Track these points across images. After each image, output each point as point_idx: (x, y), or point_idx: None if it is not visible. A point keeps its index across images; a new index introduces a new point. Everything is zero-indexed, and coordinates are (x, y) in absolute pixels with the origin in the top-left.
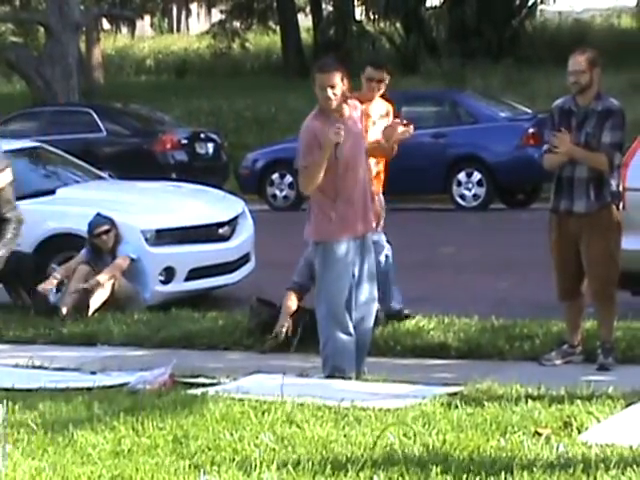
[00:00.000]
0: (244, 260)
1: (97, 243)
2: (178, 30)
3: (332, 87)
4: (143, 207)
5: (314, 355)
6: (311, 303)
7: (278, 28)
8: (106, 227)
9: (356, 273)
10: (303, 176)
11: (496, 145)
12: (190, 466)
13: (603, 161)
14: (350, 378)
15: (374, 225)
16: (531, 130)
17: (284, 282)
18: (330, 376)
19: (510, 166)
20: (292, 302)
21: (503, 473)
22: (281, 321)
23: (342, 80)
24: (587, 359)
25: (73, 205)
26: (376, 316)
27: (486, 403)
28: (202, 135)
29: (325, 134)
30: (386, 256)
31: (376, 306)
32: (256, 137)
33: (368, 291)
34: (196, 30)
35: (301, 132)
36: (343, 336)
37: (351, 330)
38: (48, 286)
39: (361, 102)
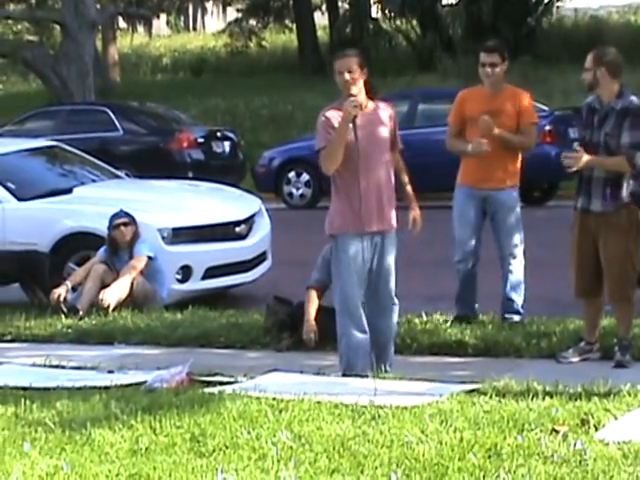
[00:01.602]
0: (261, 258)
1: (115, 235)
2: (194, 29)
3: (349, 71)
4: (160, 206)
5: (331, 353)
6: (329, 301)
7: (294, 26)
8: (125, 220)
9: (374, 269)
10: (323, 157)
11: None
12: (208, 464)
13: (623, 164)
14: (365, 376)
15: (394, 222)
16: (548, 127)
17: (301, 280)
18: (346, 374)
19: (527, 163)
20: (313, 303)
21: (520, 470)
22: (307, 328)
23: (361, 68)
24: (604, 356)
25: (90, 204)
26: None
27: (503, 400)
28: (219, 133)
29: (343, 110)
30: None
31: (397, 303)
32: (272, 135)
33: (387, 288)
34: (212, 28)
35: (317, 122)
36: (356, 333)
37: (364, 327)
38: (60, 291)
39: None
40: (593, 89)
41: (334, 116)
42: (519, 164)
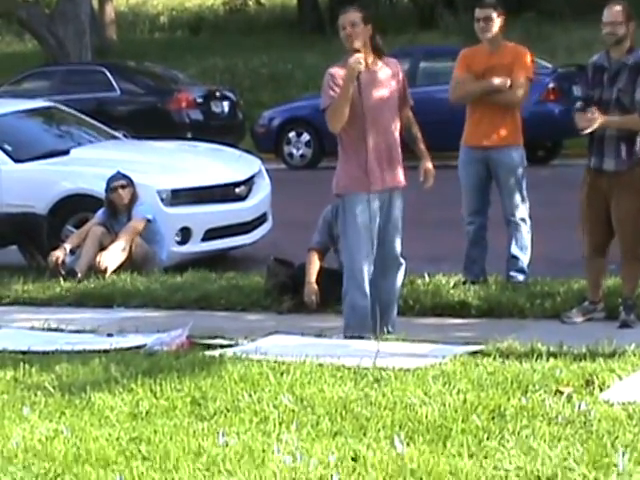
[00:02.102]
0: (261, 220)
1: (113, 198)
2: None
3: (352, 25)
4: (158, 167)
5: (333, 315)
6: (331, 263)
7: None
8: (123, 182)
9: (381, 228)
10: (329, 115)
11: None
12: (209, 428)
13: (637, 121)
14: (365, 337)
15: (401, 180)
16: (551, 85)
17: (302, 242)
18: (348, 336)
19: (530, 122)
20: (315, 265)
21: (524, 432)
22: (308, 290)
23: (365, 23)
24: (609, 316)
25: (87, 165)
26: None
27: (507, 362)
28: (217, 93)
29: (347, 67)
30: None
31: (403, 264)
32: (272, 95)
33: (393, 248)
34: None
35: (323, 80)
36: (358, 294)
37: (366, 289)
38: (59, 254)
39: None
40: (619, 44)
41: (339, 74)
42: (519, 121)
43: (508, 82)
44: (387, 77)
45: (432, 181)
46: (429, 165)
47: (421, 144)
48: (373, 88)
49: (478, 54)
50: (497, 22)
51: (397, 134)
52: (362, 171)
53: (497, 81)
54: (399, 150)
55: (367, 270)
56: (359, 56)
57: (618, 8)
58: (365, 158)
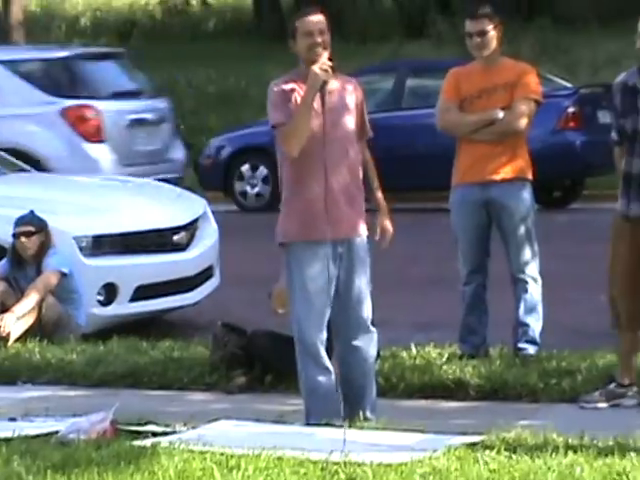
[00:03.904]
0: (206, 275)
1: (17, 246)
2: None
3: (321, 33)
4: (77, 207)
5: (295, 395)
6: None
7: None
8: (30, 228)
9: (341, 288)
10: (287, 132)
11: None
12: None
13: None
14: (334, 425)
15: (364, 229)
16: (571, 109)
17: (256, 303)
18: (310, 423)
19: (544, 155)
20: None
21: None
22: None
23: (328, 30)
24: None
25: None
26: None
27: (514, 456)
28: None
29: (310, 74)
30: None
31: (374, 333)
32: (221, 118)
33: (359, 313)
34: None
35: (268, 94)
36: (316, 370)
37: (325, 362)
38: None
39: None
40: None
41: (291, 87)
42: (526, 152)
43: (500, 114)
44: (349, 100)
45: (389, 239)
46: (387, 223)
47: (378, 192)
48: (335, 112)
49: (472, 74)
50: (494, 35)
51: (360, 171)
52: (314, 213)
53: (488, 114)
54: (362, 190)
55: (321, 340)
56: (326, 62)
57: None
58: (321, 195)
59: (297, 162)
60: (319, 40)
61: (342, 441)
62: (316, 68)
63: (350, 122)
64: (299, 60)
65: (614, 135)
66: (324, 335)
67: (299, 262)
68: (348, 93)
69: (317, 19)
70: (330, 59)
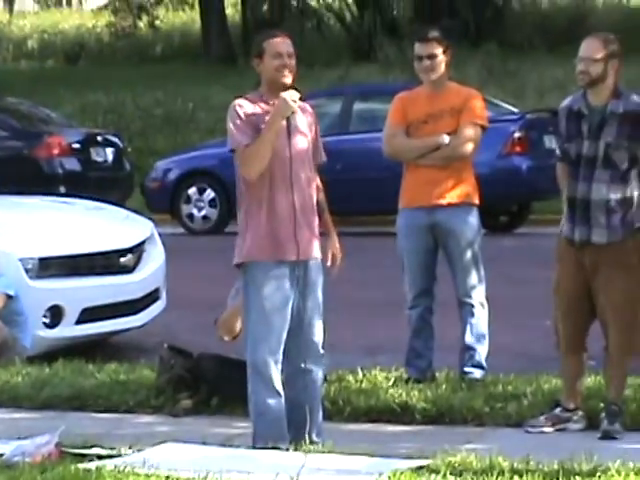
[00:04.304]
0: (152, 298)
1: None
2: (69, 4)
3: (289, 56)
4: (22, 230)
5: (243, 418)
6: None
7: (196, 2)
8: None
9: (295, 310)
10: (248, 155)
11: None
12: None
13: None
14: (280, 448)
15: (318, 251)
16: (518, 134)
17: (203, 326)
18: (257, 446)
19: (491, 180)
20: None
21: None
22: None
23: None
24: (587, 426)
25: None
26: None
27: None
28: (99, 138)
29: (281, 102)
30: None
31: (323, 355)
32: (168, 141)
33: (312, 334)
34: (92, 4)
35: (229, 114)
36: (266, 393)
37: (276, 385)
38: None
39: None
40: (593, 85)
41: (253, 109)
42: (472, 176)
43: (446, 139)
44: (306, 124)
45: (339, 263)
46: (337, 246)
47: (327, 215)
48: (298, 130)
49: (418, 98)
50: (443, 59)
51: (314, 193)
52: (283, 233)
53: (434, 140)
54: (316, 214)
55: (275, 362)
56: (295, 94)
57: (596, 42)
58: (290, 215)
59: (263, 183)
60: (288, 62)
61: (289, 465)
62: (288, 98)
63: (309, 145)
64: (261, 80)
65: (558, 152)
66: (280, 357)
67: (259, 282)
68: (306, 116)
69: (286, 42)
70: (295, 88)
